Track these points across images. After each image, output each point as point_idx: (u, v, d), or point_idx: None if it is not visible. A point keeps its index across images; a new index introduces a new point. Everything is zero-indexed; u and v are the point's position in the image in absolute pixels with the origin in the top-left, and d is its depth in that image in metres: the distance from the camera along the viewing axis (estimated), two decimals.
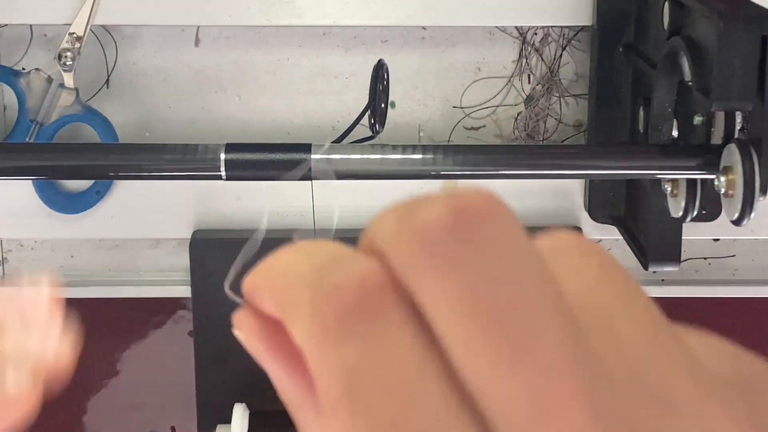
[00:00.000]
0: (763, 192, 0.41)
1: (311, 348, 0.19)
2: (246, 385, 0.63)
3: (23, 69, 0.60)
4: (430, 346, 0.19)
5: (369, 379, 0.19)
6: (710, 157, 0.45)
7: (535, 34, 0.62)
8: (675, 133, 0.50)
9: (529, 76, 0.62)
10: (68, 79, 0.58)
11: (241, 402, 0.60)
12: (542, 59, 0.62)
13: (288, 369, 0.21)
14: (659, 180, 0.51)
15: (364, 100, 0.49)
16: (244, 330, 0.22)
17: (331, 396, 0.19)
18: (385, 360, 0.19)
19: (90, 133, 0.60)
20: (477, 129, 0.63)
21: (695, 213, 0.48)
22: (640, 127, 0.56)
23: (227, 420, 0.59)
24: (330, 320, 0.19)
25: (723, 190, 0.43)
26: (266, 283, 0.21)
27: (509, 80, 0.63)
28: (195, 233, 0.63)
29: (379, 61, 0.50)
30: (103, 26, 0.60)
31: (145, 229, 0.63)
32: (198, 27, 0.61)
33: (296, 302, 0.20)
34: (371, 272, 0.19)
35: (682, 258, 0.58)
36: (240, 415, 0.59)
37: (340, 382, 0.19)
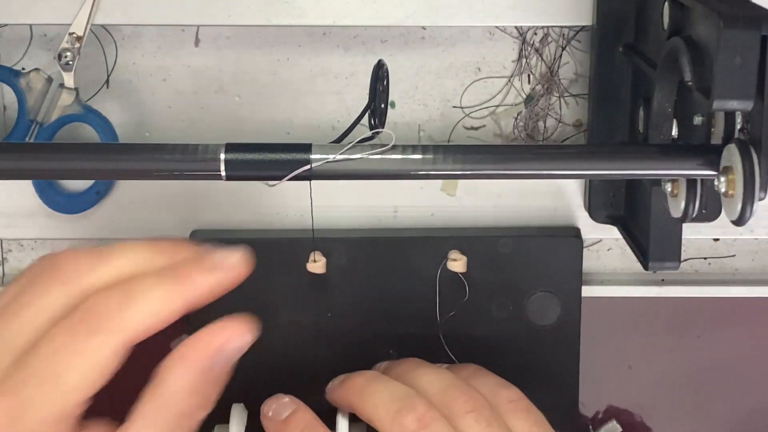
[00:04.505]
0: (763, 192, 0.41)
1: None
2: (245, 385, 0.63)
3: (23, 69, 0.60)
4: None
5: None
6: (710, 157, 0.45)
7: (535, 34, 0.62)
8: (675, 133, 0.50)
9: (529, 76, 0.63)
10: (68, 79, 0.58)
11: (240, 402, 0.60)
12: (542, 59, 0.62)
13: None
14: (659, 180, 0.51)
15: (364, 100, 0.49)
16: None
17: None
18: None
19: (90, 133, 0.60)
20: (477, 129, 0.63)
21: (695, 213, 0.48)
22: (640, 127, 0.56)
23: (225, 420, 0.59)
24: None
25: (723, 190, 0.43)
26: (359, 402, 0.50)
27: (509, 80, 0.63)
28: (194, 233, 0.63)
29: (379, 61, 0.50)
30: (103, 26, 0.60)
31: (145, 229, 0.63)
32: (198, 27, 0.61)
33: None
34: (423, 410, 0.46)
35: (682, 258, 0.58)
36: (238, 415, 0.59)
37: None
